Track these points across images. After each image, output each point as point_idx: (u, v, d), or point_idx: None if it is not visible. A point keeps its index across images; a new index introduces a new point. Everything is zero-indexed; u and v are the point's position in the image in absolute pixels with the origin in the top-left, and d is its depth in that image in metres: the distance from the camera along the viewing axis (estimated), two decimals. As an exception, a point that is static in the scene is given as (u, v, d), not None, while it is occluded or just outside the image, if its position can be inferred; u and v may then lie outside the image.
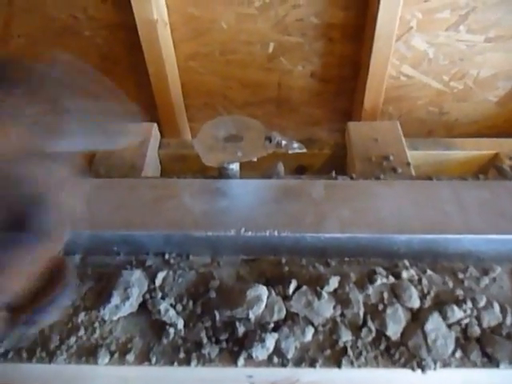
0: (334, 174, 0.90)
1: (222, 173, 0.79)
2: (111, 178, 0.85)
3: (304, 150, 0.74)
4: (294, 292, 0.69)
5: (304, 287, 0.69)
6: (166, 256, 0.76)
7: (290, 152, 0.73)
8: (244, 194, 0.76)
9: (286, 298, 0.69)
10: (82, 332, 0.68)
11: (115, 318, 0.69)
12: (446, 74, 1.38)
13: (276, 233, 0.71)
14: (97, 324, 0.69)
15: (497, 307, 0.69)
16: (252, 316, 0.67)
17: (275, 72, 1.42)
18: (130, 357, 0.66)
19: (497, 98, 1.43)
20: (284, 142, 0.72)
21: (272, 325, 0.67)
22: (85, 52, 1.39)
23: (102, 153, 1.14)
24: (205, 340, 0.67)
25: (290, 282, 0.70)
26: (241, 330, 0.67)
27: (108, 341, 0.68)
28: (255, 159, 0.71)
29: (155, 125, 1.23)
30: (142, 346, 0.68)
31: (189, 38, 1.35)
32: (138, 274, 0.71)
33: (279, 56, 1.38)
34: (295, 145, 0.72)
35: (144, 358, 0.66)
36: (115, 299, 0.68)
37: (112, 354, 0.67)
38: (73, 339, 0.68)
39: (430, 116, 1.50)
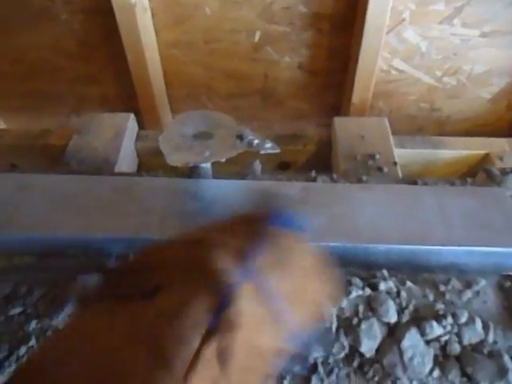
0: (313, 173, 0.85)
1: (192, 171, 0.73)
2: (74, 174, 0.79)
3: (277, 151, 0.69)
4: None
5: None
6: (129, 260, 0.71)
7: (261, 152, 0.67)
8: (214, 196, 0.71)
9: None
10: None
11: (69, 328, 0.64)
12: (439, 69, 1.33)
13: (244, 239, 0.65)
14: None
15: (479, 323, 0.65)
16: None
17: (261, 62, 1.36)
18: (84, 370, 0.61)
19: (490, 95, 1.38)
20: (256, 142, 0.66)
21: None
22: (62, 37, 1.33)
23: (74, 145, 1.08)
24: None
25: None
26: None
27: (61, 352, 0.63)
28: (223, 160, 0.66)
29: (132, 115, 1.17)
30: (97, 358, 0.63)
31: (171, 25, 1.28)
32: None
33: (265, 45, 1.32)
34: (268, 145, 0.67)
35: (99, 372, 0.62)
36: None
37: (64, 366, 0.62)
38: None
39: (421, 112, 1.45)
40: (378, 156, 1.04)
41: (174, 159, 0.65)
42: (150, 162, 1.19)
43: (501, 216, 0.69)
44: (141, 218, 0.70)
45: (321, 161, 1.19)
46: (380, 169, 1.01)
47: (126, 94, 1.44)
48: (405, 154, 1.14)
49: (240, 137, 0.67)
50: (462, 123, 1.47)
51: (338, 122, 1.14)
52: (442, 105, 1.42)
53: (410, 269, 0.69)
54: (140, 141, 1.19)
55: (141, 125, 1.27)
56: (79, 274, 0.68)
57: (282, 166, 1.21)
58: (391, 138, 1.11)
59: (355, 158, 1.05)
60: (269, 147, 0.67)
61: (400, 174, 1.00)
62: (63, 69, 1.39)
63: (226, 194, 0.72)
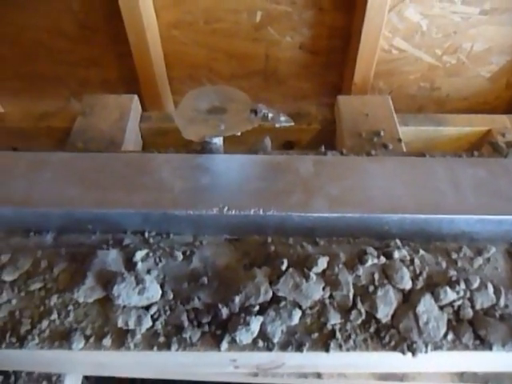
0: (323, 148, 0.86)
1: (204, 147, 0.74)
2: (85, 152, 0.79)
3: (292, 123, 0.69)
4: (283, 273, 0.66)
5: (291, 269, 0.65)
6: (146, 234, 0.72)
7: (276, 125, 0.68)
8: (227, 171, 0.72)
9: (272, 279, 0.66)
10: (54, 315, 0.64)
11: (90, 301, 0.65)
12: (439, 47, 1.33)
13: (261, 212, 0.66)
14: (71, 307, 0.65)
15: (490, 288, 0.66)
16: (236, 298, 0.64)
17: (263, 43, 1.36)
18: (107, 341, 0.62)
19: (489, 73, 1.40)
20: (271, 115, 0.67)
21: (257, 307, 0.64)
22: (61, 19, 1.31)
23: (79, 126, 1.08)
24: (186, 323, 0.64)
25: (282, 263, 0.66)
26: (224, 312, 0.64)
27: (83, 324, 0.64)
28: (239, 133, 0.66)
29: (136, 97, 1.17)
30: (119, 329, 0.64)
31: (171, 5, 1.27)
32: (114, 254, 0.67)
33: (267, 26, 1.31)
34: (282, 118, 0.67)
35: (122, 343, 0.63)
36: (90, 281, 0.64)
37: (87, 338, 0.63)
38: (45, 323, 0.64)
39: (421, 91, 1.46)
40: (382, 133, 1.05)
41: (190, 133, 0.65)
42: (155, 143, 1.19)
43: (511, 185, 0.70)
44: (155, 193, 0.70)
45: (324, 140, 1.20)
46: (385, 145, 1.02)
47: (128, 76, 1.43)
48: (408, 132, 1.15)
49: (254, 111, 0.68)
50: (462, 102, 1.48)
51: (342, 100, 1.15)
52: (441, 84, 1.43)
53: (422, 237, 0.70)
54: (143, 122, 1.19)
55: (142, 107, 1.27)
56: (97, 248, 0.69)
57: (286, 146, 1.21)
58: (395, 115, 1.12)
59: (360, 135, 1.06)
60: (283, 120, 0.68)
61: (404, 151, 1.01)
62: (63, 51, 1.38)
63: (239, 168, 0.73)
